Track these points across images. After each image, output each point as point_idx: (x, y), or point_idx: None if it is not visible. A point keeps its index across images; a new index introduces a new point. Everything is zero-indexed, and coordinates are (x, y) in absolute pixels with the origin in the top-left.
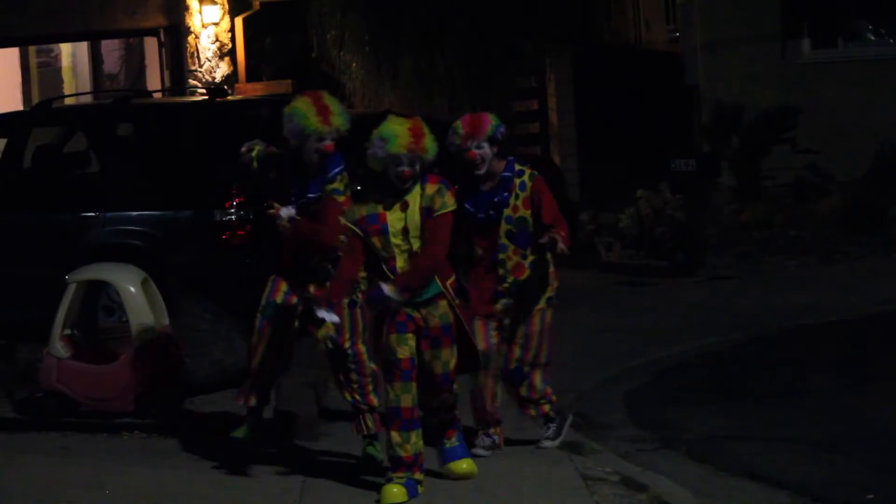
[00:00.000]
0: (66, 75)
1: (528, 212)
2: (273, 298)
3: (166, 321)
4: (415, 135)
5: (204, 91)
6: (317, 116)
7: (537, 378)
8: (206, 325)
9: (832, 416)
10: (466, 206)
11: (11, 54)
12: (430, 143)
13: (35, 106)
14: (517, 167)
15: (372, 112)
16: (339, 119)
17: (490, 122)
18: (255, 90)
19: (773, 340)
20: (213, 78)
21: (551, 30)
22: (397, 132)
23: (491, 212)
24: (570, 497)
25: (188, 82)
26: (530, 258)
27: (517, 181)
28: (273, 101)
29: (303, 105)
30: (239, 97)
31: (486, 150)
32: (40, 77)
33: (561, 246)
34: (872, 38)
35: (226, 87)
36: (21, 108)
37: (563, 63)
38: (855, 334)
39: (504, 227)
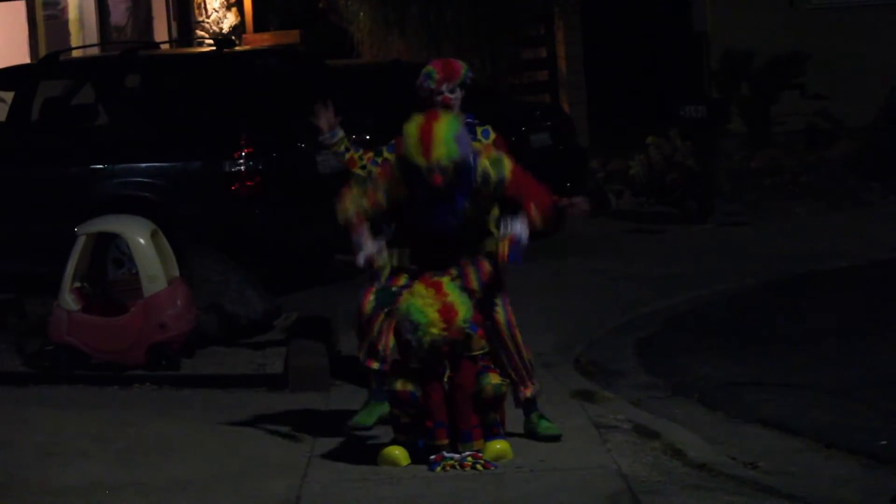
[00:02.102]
0: (73, 28)
1: None
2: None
3: (176, 273)
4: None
5: (211, 42)
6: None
7: None
8: (216, 277)
9: (845, 363)
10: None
11: (18, 7)
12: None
13: (42, 59)
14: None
15: (380, 61)
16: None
17: (462, 67)
18: (263, 40)
19: (785, 287)
20: (221, 29)
21: None
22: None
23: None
24: (583, 445)
25: (195, 33)
26: None
27: (479, 129)
28: (281, 51)
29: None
30: (247, 48)
31: (459, 94)
32: (47, 30)
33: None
34: None
35: (233, 37)
36: (28, 61)
37: (572, 10)
38: (867, 280)
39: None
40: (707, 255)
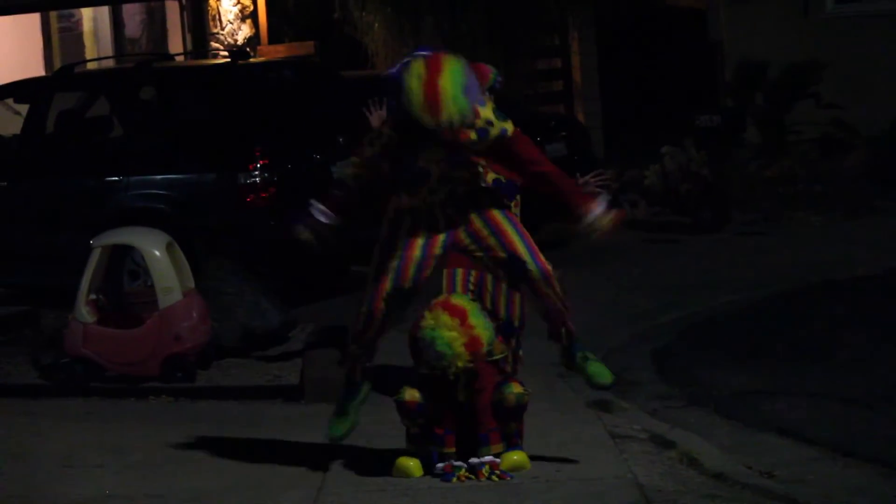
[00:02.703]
0: (88, 40)
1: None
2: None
3: (192, 284)
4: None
5: (226, 54)
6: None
7: None
8: (231, 289)
9: (860, 372)
10: None
11: (33, 19)
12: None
13: (57, 71)
14: None
15: None
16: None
17: (491, 71)
18: (278, 52)
19: (800, 296)
20: (236, 40)
21: None
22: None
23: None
24: (599, 455)
25: (210, 45)
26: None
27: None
28: (296, 62)
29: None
30: (261, 59)
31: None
32: (62, 42)
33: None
34: None
35: (248, 49)
36: (43, 73)
37: (587, 20)
38: (882, 289)
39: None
40: (722, 265)
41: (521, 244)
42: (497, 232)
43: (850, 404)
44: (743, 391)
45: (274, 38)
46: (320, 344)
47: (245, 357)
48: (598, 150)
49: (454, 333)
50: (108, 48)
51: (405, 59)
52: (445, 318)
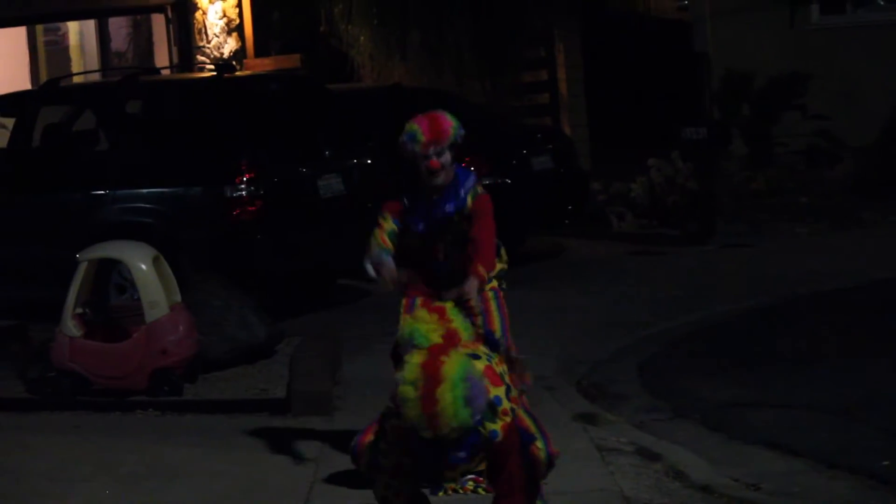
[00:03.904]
0: (74, 54)
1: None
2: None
3: (178, 298)
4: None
5: (212, 67)
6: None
7: None
8: (218, 302)
9: (847, 383)
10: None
11: (19, 33)
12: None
13: (43, 84)
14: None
15: (381, 85)
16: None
17: (451, 124)
18: (264, 65)
19: (787, 308)
20: (222, 54)
21: None
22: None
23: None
24: (586, 468)
25: (196, 59)
26: None
27: (462, 192)
28: (282, 76)
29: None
30: (247, 73)
31: (448, 157)
32: (48, 56)
33: (470, 297)
34: (881, 2)
35: (234, 62)
36: (29, 87)
37: (572, 33)
38: (869, 300)
39: (442, 241)
40: (709, 277)
41: (499, 325)
42: (484, 311)
43: (836, 415)
44: (729, 403)
45: (260, 51)
46: (307, 357)
47: (232, 371)
48: (585, 162)
49: (432, 325)
50: (94, 62)
51: (408, 131)
52: (423, 313)
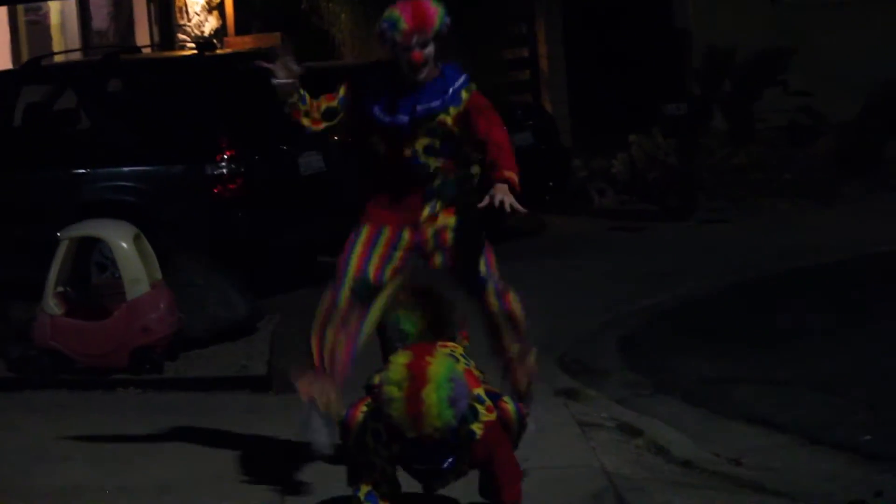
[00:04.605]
0: (55, 33)
1: (457, 130)
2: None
3: (159, 276)
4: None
5: (193, 46)
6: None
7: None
8: (199, 280)
9: (829, 358)
10: (375, 109)
11: (0, 13)
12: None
13: (24, 64)
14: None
15: (362, 63)
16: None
17: (437, 11)
18: (245, 44)
19: (769, 283)
20: (202, 32)
21: None
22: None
23: (405, 117)
24: (567, 444)
25: (177, 37)
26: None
27: (451, 90)
28: (262, 54)
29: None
30: (228, 51)
31: (432, 49)
32: (29, 35)
33: (510, 203)
34: None
35: (215, 41)
36: (10, 66)
37: (553, 9)
38: (850, 276)
39: (422, 140)
40: (690, 252)
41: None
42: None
43: (817, 391)
44: (711, 378)
45: (241, 29)
46: (288, 334)
47: (213, 348)
48: (566, 138)
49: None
50: (75, 41)
51: (388, 18)
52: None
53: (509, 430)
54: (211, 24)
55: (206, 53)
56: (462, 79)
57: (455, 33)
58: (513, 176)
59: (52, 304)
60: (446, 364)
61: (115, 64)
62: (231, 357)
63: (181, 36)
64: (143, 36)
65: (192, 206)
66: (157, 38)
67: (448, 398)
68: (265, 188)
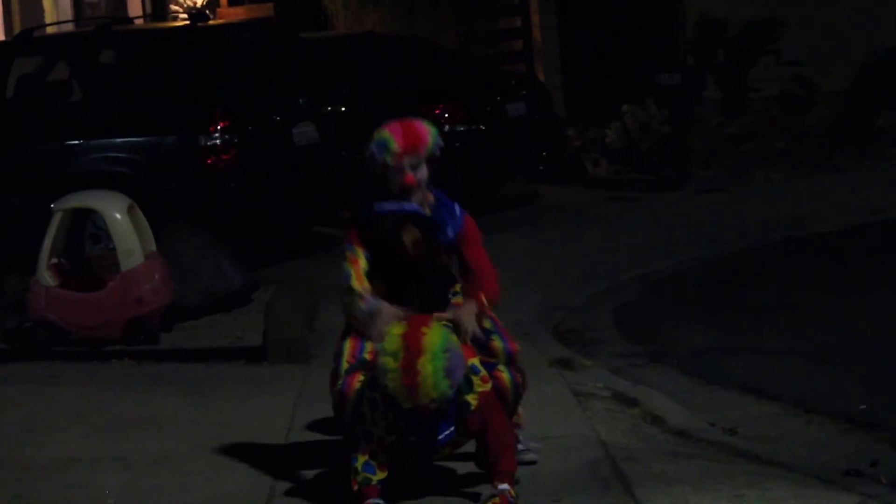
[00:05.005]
0: (47, 4)
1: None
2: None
3: (153, 247)
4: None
5: (185, 16)
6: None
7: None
8: (193, 251)
9: (823, 328)
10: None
11: None
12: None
13: (16, 36)
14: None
15: (354, 33)
16: (429, 393)
17: (429, 131)
18: (237, 14)
19: (762, 253)
20: (195, 3)
21: None
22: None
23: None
24: (563, 413)
25: (169, 8)
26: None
27: (458, 212)
28: (255, 24)
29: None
30: (221, 21)
31: (425, 172)
32: (21, 7)
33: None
34: None
35: (207, 11)
36: (2, 38)
37: None
38: (844, 245)
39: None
40: (683, 222)
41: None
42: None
43: (812, 360)
44: (706, 348)
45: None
46: (283, 305)
47: (208, 319)
48: (559, 108)
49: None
50: (67, 12)
51: (378, 140)
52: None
53: (504, 400)
54: None
55: (199, 24)
56: (457, 205)
57: (448, 4)
58: (489, 305)
59: (46, 276)
60: (442, 335)
61: (108, 35)
62: (226, 328)
63: (173, 7)
64: (135, 7)
65: (186, 177)
66: (149, 10)
67: (444, 368)
68: (259, 159)
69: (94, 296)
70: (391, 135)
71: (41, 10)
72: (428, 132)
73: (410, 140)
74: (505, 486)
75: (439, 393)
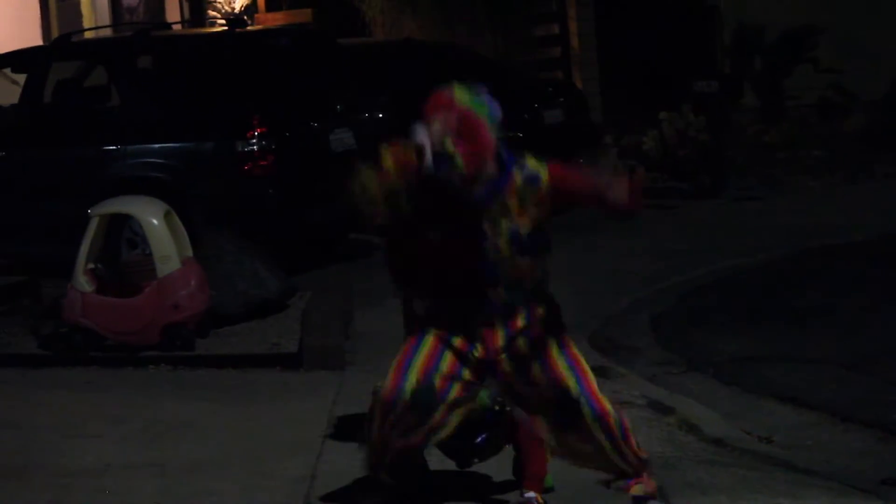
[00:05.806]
0: (85, 9)
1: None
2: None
3: (190, 253)
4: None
5: (223, 22)
6: None
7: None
8: (229, 257)
9: (859, 336)
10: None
11: None
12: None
13: (55, 40)
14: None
15: (392, 40)
16: None
17: (486, 125)
18: (275, 20)
19: (799, 261)
20: (233, 9)
21: None
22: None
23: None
24: None
25: (207, 14)
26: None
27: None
28: (293, 30)
29: None
30: (258, 27)
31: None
32: (59, 12)
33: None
34: None
35: (245, 17)
36: (41, 42)
37: None
38: (881, 254)
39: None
40: (720, 230)
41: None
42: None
43: (849, 369)
44: (742, 356)
45: (271, 5)
46: (319, 312)
47: (244, 325)
48: (596, 116)
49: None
50: (105, 17)
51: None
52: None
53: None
54: (241, 0)
55: (237, 30)
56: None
57: (486, 11)
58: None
59: (82, 281)
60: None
61: (146, 40)
62: (262, 334)
63: (211, 12)
64: (173, 12)
65: (223, 183)
66: (187, 15)
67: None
68: (296, 165)
69: (131, 301)
70: (455, 149)
71: (79, 16)
72: (485, 126)
73: (473, 154)
74: (531, 493)
75: (479, 402)
